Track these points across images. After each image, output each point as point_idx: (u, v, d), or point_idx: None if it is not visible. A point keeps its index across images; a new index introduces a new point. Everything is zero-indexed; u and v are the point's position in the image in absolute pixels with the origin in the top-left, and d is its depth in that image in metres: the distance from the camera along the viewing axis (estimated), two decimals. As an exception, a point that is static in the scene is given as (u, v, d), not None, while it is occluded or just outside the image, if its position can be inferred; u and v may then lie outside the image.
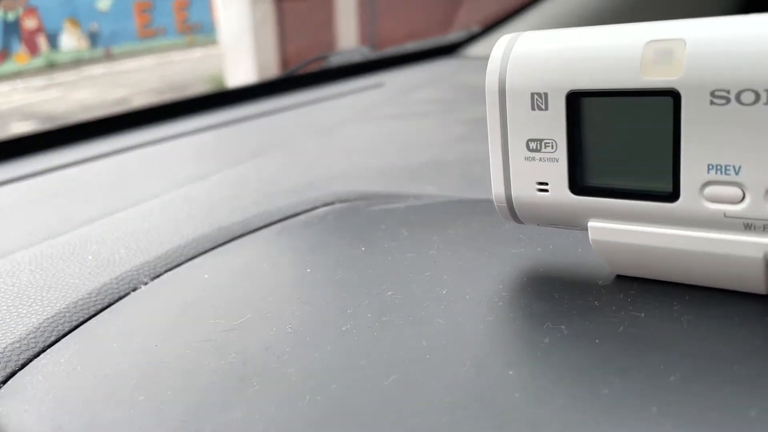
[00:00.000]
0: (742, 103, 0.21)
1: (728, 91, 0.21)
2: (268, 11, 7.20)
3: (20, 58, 11.94)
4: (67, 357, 0.28)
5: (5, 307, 0.32)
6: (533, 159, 0.26)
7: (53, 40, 12.53)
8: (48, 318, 0.31)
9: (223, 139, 0.71)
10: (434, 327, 0.25)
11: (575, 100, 0.24)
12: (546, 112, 0.25)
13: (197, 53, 14.15)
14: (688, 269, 0.24)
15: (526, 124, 0.25)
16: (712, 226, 0.23)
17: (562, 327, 0.24)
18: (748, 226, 0.22)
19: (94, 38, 13.47)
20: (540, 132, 0.25)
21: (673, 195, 0.23)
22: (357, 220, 0.39)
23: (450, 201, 0.38)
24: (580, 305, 0.25)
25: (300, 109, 0.86)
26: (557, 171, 0.25)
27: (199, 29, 15.63)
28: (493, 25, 1.25)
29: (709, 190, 0.23)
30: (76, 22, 13.21)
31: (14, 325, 0.30)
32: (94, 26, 13.53)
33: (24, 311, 0.32)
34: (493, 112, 0.26)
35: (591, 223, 0.26)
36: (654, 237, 0.24)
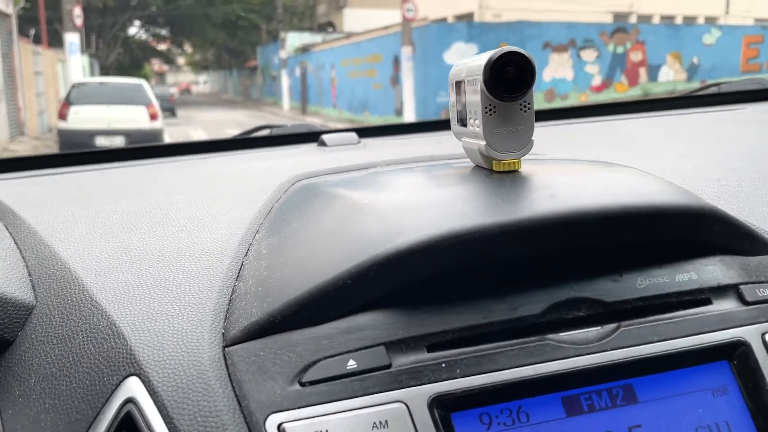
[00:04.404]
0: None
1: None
2: None
3: (619, 87, 13.26)
4: None
5: None
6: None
7: (652, 72, 13.45)
8: None
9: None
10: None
11: None
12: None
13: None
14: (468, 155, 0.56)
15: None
16: (472, 137, 0.54)
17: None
18: (474, 135, 0.53)
19: (692, 71, 13.84)
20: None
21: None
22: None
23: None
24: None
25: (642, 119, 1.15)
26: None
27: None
28: None
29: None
30: (678, 55, 13.82)
31: None
32: (696, 59, 13.88)
33: None
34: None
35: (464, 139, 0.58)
36: (471, 144, 0.56)
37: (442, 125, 1.13)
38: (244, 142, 1.12)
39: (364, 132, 1.11)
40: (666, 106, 1.28)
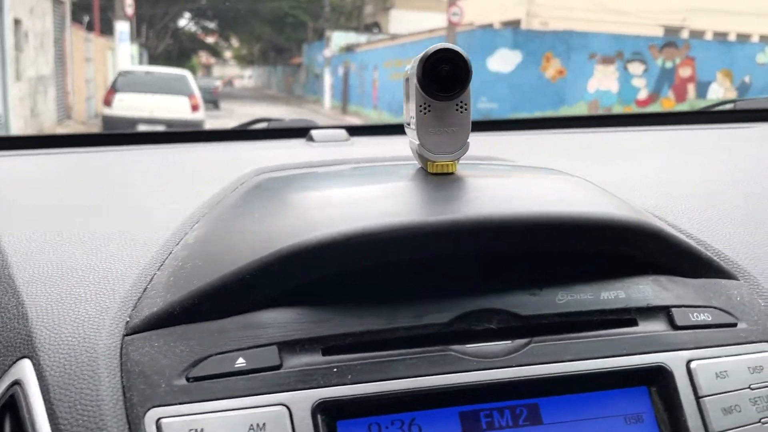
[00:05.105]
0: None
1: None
2: None
3: (666, 102, 12.95)
4: None
5: None
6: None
7: (701, 89, 13.09)
8: None
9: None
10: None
11: None
12: None
13: None
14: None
15: None
16: (412, 137, 0.52)
17: None
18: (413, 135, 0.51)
19: (743, 90, 13.43)
20: None
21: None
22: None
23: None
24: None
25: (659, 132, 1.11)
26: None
27: None
28: None
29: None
30: (729, 73, 13.43)
31: None
32: (747, 78, 13.46)
33: None
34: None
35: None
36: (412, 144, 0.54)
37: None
38: (240, 133, 1.13)
39: (357, 130, 1.09)
40: (678, 121, 1.23)
